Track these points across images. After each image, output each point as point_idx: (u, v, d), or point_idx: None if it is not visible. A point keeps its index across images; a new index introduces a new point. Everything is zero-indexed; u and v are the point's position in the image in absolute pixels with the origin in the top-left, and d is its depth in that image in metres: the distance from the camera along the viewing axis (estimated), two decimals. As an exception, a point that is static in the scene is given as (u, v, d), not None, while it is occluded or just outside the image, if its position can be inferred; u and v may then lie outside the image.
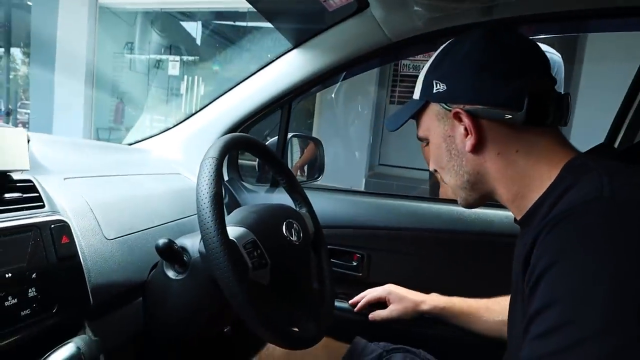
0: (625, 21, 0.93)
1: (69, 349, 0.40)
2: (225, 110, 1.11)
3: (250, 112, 1.09)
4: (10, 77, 5.85)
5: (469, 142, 0.56)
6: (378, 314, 0.94)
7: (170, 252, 0.60)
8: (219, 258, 0.53)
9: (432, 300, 0.92)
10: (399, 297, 0.93)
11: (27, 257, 0.49)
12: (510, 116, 0.53)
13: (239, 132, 1.12)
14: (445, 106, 0.58)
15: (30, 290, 0.48)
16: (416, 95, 0.63)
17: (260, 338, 0.61)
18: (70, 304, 0.53)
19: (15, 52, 5.83)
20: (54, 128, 4.87)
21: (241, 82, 1.11)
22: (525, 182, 0.55)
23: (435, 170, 0.66)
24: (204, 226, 0.55)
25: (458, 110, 0.56)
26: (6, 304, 0.45)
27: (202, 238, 0.55)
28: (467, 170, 0.59)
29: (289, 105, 1.15)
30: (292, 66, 1.05)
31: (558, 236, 0.43)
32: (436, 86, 0.59)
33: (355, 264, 1.16)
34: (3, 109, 5.69)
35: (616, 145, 0.96)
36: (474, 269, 1.04)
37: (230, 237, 0.59)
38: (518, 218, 0.58)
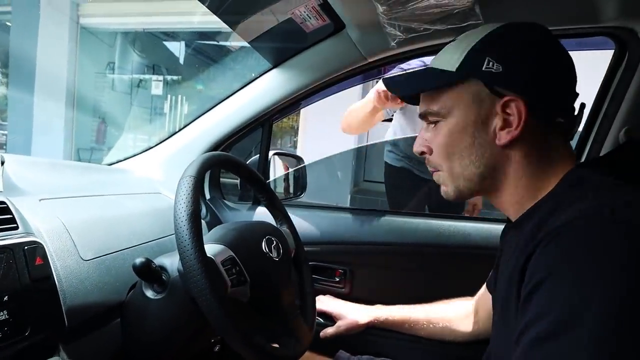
0: (594, 40, 0.97)
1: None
2: (205, 129, 1.12)
3: (231, 130, 1.10)
4: (-12, 97, 5.75)
5: (507, 135, 0.53)
6: (326, 332, 0.95)
7: (148, 272, 0.60)
8: (197, 276, 0.53)
9: (373, 313, 0.96)
10: (342, 315, 0.96)
11: (-1, 279, 0.48)
12: (562, 120, 0.54)
13: (220, 150, 1.13)
14: (497, 89, 0.53)
15: (1, 313, 0.47)
16: (449, 64, 0.56)
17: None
18: (44, 327, 0.52)
19: (-7, 73, 5.75)
20: (33, 149, 4.78)
21: (222, 101, 1.13)
22: (535, 186, 0.55)
23: (424, 153, 0.62)
24: (181, 244, 0.55)
25: (513, 98, 0.52)
26: (-24, 328, 0.45)
27: (179, 256, 0.55)
28: (486, 163, 0.55)
29: (269, 124, 1.17)
30: (271, 85, 1.07)
31: (557, 247, 0.43)
32: (488, 64, 0.53)
33: (337, 279, 1.17)
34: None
35: (582, 159, 1.00)
36: (455, 280, 1.06)
37: (208, 255, 0.60)
38: (513, 220, 0.59)
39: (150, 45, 5.48)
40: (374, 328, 0.97)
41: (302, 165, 1.48)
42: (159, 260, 0.68)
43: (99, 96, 5.39)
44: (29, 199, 0.66)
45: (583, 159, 1.00)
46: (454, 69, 0.55)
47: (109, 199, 0.84)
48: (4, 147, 5.28)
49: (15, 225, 0.55)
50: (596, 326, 0.38)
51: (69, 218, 0.67)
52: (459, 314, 0.93)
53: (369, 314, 0.96)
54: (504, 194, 0.57)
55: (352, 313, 0.97)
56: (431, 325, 0.93)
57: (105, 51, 5.34)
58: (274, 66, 1.08)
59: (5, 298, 0.48)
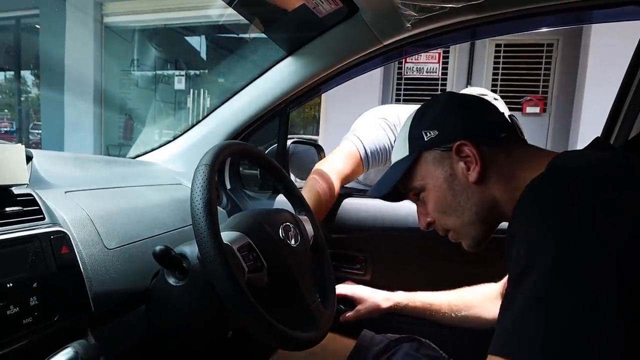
0: (623, 10, 0.92)
1: (66, 353, 0.41)
2: (222, 120, 1.13)
3: (247, 120, 1.11)
4: (22, 99, 6.00)
5: (474, 172, 0.61)
6: (345, 316, 0.97)
7: (168, 259, 0.62)
8: (214, 262, 0.54)
9: (394, 298, 0.97)
10: (363, 298, 0.98)
11: (27, 267, 0.51)
12: (504, 134, 0.63)
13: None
14: (444, 146, 0.63)
15: (31, 299, 0.50)
16: (402, 153, 0.68)
17: (263, 343, 0.62)
18: (72, 312, 0.54)
19: (26, 74, 5.99)
20: (65, 147, 4.98)
21: (238, 92, 1.14)
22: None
23: (431, 224, 0.70)
24: (198, 231, 0.56)
25: (461, 142, 0.61)
26: (8, 312, 0.47)
27: (197, 243, 0.56)
28: (475, 202, 0.63)
29: (286, 112, 1.17)
30: (286, 73, 1.07)
31: (524, 199, 0.49)
32: (427, 135, 0.65)
33: (358, 266, 1.17)
34: (15, 129, 5.84)
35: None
36: (479, 266, 1.04)
37: (225, 242, 0.61)
38: None
39: (171, 40, 5.57)
40: (394, 313, 0.96)
41: (321, 154, 1.47)
42: (179, 249, 0.69)
43: (124, 93, 5.54)
44: (55, 191, 0.68)
45: (612, 142, 0.95)
46: (407, 154, 0.68)
47: (132, 190, 0.87)
48: (40, 146, 5.51)
49: (42, 216, 0.58)
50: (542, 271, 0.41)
51: (93, 209, 0.69)
52: (483, 299, 0.91)
53: (390, 299, 0.97)
54: (508, 211, 0.61)
55: (372, 297, 0.97)
56: (453, 314, 0.92)
57: (129, 49, 5.47)
58: (289, 54, 1.07)
59: (35, 285, 0.51)
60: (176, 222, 0.86)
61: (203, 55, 5.68)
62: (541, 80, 4.50)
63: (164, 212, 0.86)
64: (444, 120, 0.65)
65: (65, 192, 0.70)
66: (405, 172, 0.67)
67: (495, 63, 4.62)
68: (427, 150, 0.65)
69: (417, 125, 0.67)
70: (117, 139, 5.41)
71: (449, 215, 0.65)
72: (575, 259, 0.40)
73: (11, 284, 0.48)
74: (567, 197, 0.44)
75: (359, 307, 0.97)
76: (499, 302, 0.88)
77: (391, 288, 1.00)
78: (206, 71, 5.64)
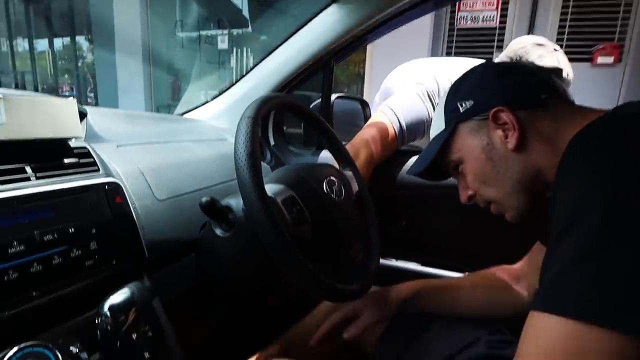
0: None
1: (123, 292, 0.44)
2: (265, 74, 1.11)
3: (290, 73, 1.08)
4: (79, 64, 6.30)
5: (512, 138, 0.58)
6: (350, 331, 0.78)
7: (214, 210, 0.63)
8: (257, 213, 0.55)
9: (406, 285, 0.83)
10: (367, 303, 0.79)
11: (85, 215, 0.54)
12: (546, 95, 0.59)
13: (281, 95, 1.12)
14: (479, 117, 0.62)
15: (91, 244, 0.53)
16: (439, 128, 0.68)
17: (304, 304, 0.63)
18: (127, 257, 0.57)
19: (80, 40, 6.25)
20: (120, 107, 5.23)
21: (280, 45, 1.10)
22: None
23: (472, 197, 0.68)
24: (242, 183, 0.56)
25: (497, 109, 0.59)
26: (72, 255, 0.51)
27: (241, 194, 0.57)
28: (516, 170, 0.60)
29: (330, 65, 1.13)
30: (329, 23, 1.02)
31: (567, 157, 0.46)
32: (462, 106, 0.64)
33: (403, 223, 1.15)
34: (74, 93, 6.20)
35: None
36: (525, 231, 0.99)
37: (269, 194, 0.61)
38: None
39: (214, 0, 5.52)
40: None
41: (366, 110, 1.43)
42: (225, 201, 0.71)
43: (171, 54, 5.65)
44: (107, 145, 0.71)
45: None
46: (445, 127, 0.66)
47: (180, 145, 0.89)
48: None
49: (97, 168, 0.60)
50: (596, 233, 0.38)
51: (144, 162, 0.72)
52: (504, 279, 0.85)
53: (403, 287, 0.83)
54: (551, 177, 0.55)
55: (377, 299, 0.81)
56: (474, 296, 0.83)
57: (173, 10, 5.50)
58: (331, 2, 1.02)
59: (93, 231, 0.54)
60: (222, 176, 0.88)
61: (245, 13, 5.61)
62: (618, 26, 4.01)
63: (210, 166, 0.88)
64: (479, 89, 0.63)
65: (118, 146, 0.73)
66: (442, 147, 0.66)
67: (563, 7, 4.15)
68: (463, 122, 0.64)
69: (452, 97, 0.66)
70: (166, 99, 5.59)
71: (489, 186, 0.64)
72: (630, 211, 0.37)
73: (73, 229, 0.52)
74: (620, 145, 0.40)
75: (364, 314, 0.79)
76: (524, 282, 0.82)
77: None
78: (249, 30, 5.59)
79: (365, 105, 1.42)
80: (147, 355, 0.52)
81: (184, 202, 0.73)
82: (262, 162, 1.09)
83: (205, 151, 0.93)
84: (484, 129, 0.62)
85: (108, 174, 0.61)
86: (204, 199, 0.60)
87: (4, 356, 0.42)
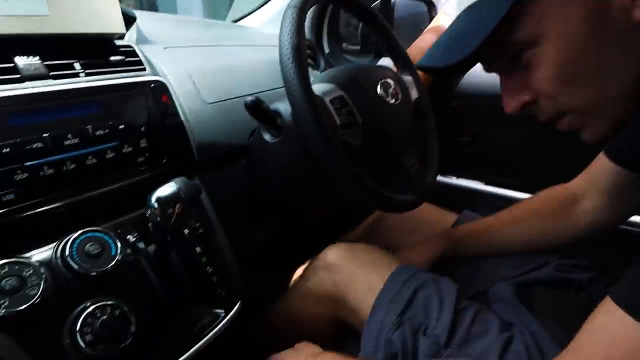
0: None
1: (169, 185, 0.44)
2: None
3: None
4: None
5: None
6: None
7: (259, 111, 0.61)
8: (302, 110, 0.51)
9: (453, 230, 0.80)
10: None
11: (134, 112, 0.54)
12: None
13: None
14: None
15: (141, 141, 0.54)
16: None
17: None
18: (177, 157, 0.58)
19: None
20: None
21: None
22: None
23: (530, 104, 0.44)
24: (286, 77, 0.52)
25: None
26: (123, 150, 0.52)
27: (285, 89, 0.53)
28: (636, 61, 0.38)
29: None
30: None
31: None
32: None
33: (466, 139, 1.06)
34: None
35: None
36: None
37: (316, 93, 0.56)
38: None
39: None
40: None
41: (432, 9, 1.27)
42: (274, 105, 0.68)
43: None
44: (155, 46, 0.69)
45: None
46: None
47: (229, 49, 0.86)
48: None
49: (143, 67, 0.59)
50: None
51: (192, 64, 0.70)
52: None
53: (452, 232, 0.82)
54: None
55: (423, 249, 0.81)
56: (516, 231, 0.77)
57: None
58: None
59: (142, 129, 0.54)
60: (272, 82, 0.84)
61: None
62: None
63: (260, 72, 0.84)
64: None
65: (165, 48, 0.71)
66: (505, 16, 0.38)
67: None
68: None
69: None
70: (224, 11, 5.47)
71: (578, 88, 0.40)
72: None
73: (122, 126, 0.52)
74: None
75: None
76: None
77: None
78: None
79: (431, 5, 1.25)
80: (198, 250, 0.55)
81: (233, 107, 0.71)
82: (316, 71, 1.03)
83: (255, 56, 0.89)
84: None
85: (155, 73, 0.60)
86: (249, 99, 0.58)
87: (69, 239, 0.45)
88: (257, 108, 0.59)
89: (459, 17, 0.44)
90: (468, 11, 0.43)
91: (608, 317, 0.39)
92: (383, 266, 0.69)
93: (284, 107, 0.67)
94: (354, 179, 0.55)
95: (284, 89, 0.83)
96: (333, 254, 0.75)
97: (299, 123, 0.53)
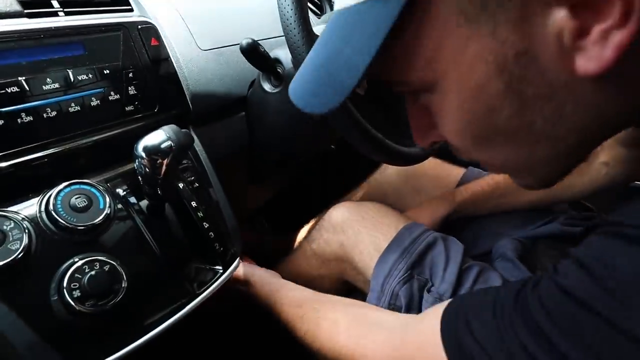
0: None
1: (157, 133, 0.41)
2: None
3: None
4: None
5: (622, 36, 0.23)
6: None
7: (257, 55, 0.56)
8: (301, 52, 0.46)
9: (458, 191, 0.77)
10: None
11: (120, 56, 0.49)
12: None
13: None
14: None
15: (130, 88, 0.50)
16: None
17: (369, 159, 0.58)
18: (171, 106, 0.54)
19: None
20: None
21: None
22: None
23: (436, 143, 0.37)
24: (284, 17, 0.47)
25: None
26: (110, 98, 0.48)
27: (283, 31, 0.48)
28: (572, 126, 0.29)
29: None
30: None
31: None
32: None
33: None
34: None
35: None
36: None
37: (317, 33, 0.51)
38: None
39: None
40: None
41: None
42: (274, 53, 0.63)
43: None
44: (144, -14, 0.64)
45: None
46: None
47: (227, -7, 0.79)
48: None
49: (130, 7, 0.54)
50: None
51: (184, 6, 0.64)
52: None
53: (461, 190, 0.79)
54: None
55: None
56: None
57: None
58: None
59: (131, 74, 0.50)
60: (273, 30, 0.78)
61: None
62: None
63: (260, 18, 0.78)
64: None
65: (155, -12, 0.65)
66: (377, 52, 0.28)
67: None
68: None
69: None
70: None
71: (494, 147, 0.32)
72: None
73: (108, 71, 0.48)
74: None
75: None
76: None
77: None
78: None
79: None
80: (194, 204, 0.52)
81: (230, 55, 0.66)
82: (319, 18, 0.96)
83: (256, 1, 0.82)
84: (514, 3, 0.25)
85: (143, 14, 0.55)
86: (244, 41, 0.53)
87: (53, 191, 0.42)
88: (254, 52, 0.54)
89: (325, 39, 0.33)
90: (337, 31, 0.32)
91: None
92: (390, 226, 0.67)
93: (284, 54, 0.62)
94: (360, 132, 0.51)
95: (283, 38, 0.78)
96: (338, 214, 0.72)
97: (296, 64, 0.48)
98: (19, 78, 0.41)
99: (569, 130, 0.29)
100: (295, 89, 0.35)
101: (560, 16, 0.24)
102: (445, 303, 0.41)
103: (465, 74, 0.28)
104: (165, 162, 0.41)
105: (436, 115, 0.33)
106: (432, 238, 0.63)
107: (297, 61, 0.48)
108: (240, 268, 0.67)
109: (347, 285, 0.75)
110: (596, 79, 0.25)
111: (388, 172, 0.94)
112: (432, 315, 0.40)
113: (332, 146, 0.79)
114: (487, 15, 0.25)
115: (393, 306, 0.60)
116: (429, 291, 0.59)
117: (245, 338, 0.90)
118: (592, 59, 0.24)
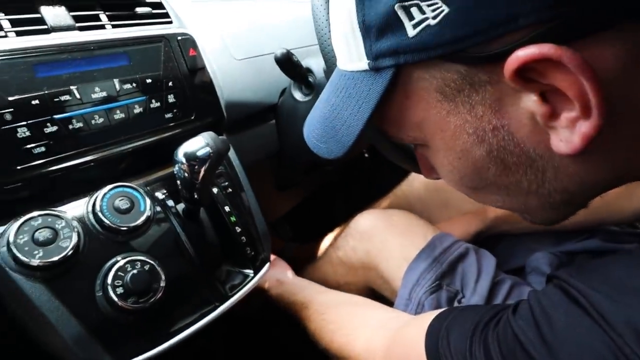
0: None
1: (196, 140, 0.43)
2: None
3: None
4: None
5: (587, 128, 0.25)
6: None
7: (290, 65, 0.57)
8: (335, 63, 0.48)
9: (492, 209, 0.73)
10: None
11: (161, 65, 0.52)
12: None
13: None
14: (478, 54, 0.26)
15: (169, 97, 0.52)
16: (349, 58, 0.32)
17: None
18: (206, 114, 0.56)
19: None
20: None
21: None
22: None
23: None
24: (318, 28, 0.49)
25: (538, 53, 0.23)
26: (151, 106, 0.50)
27: (319, 46, 0.50)
28: (557, 186, 0.30)
29: None
30: None
31: None
32: (420, 13, 0.26)
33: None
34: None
35: None
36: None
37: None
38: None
39: None
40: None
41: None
42: (305, 62, 0.65)
43: None
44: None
45: None
46: (366, 68, 0.30)
47: (260, 4, 0.82)
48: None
49: (170, 20, 0.57)
50: None
51: (220, 18, 0.67)
52: None
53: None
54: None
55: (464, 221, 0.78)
56: None
57: None
58: None
59: (170, 83, 0.52)
60: (304, 40, 0.80)
61: None
62: None
63: (292, 29, 0.80)
64: None
65: (193, 1, 0.68)
66: (371, 116, 0.32)
67: None
68: (420, 64, 0.28)
69: None
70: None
71: (488, 195, 0.35)
72: None
73: (150, 80, 0.50)
74: None
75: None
76: None
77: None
78: None
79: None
80: (227, 209, 0.54)
81: (263, 64, 0.68)
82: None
83: (286, 12, 0.85)
84: (487, 91, 0.27)
85: (182, 26, 0.58)
86: (279, 51, 0.55)
87: (99, 193, 0.45)
88: (288, 62, 0.56)
89: (329, 92, 0.37)
90: (338, 92, 0.35)
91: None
92: (419, 236, 0.66)
93: (316, 63, 0.64)
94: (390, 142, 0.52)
95: (316, 46, 0.80)
96: (366, 222, 0.72)
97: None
98: (71, 87, 0.44)
99: (554, 190, 0.31)
100: (309, 127, 0.40)
101: (531, 101, 0.26)
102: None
103: (450, 140, 0.31)
104: (203, 168, 0.43)
105: (434, 165, 0.37)
106: (463, 249, 0.63)
107: (329, 70, 0.50)
108: (272, 270, 0.69)
109: (373, 293, 0.75)
110: (573, 155, 0.26)
111: (416, 184, 0.94)
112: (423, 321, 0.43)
113: (366, 155, 0.80)
114: (462, 97, 0.28)
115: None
116: (459, 302, 0.59)
117: (269, 341, 0.91)
118: (563, 140, 0.26)
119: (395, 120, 0.33)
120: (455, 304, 0.59)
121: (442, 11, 0.25)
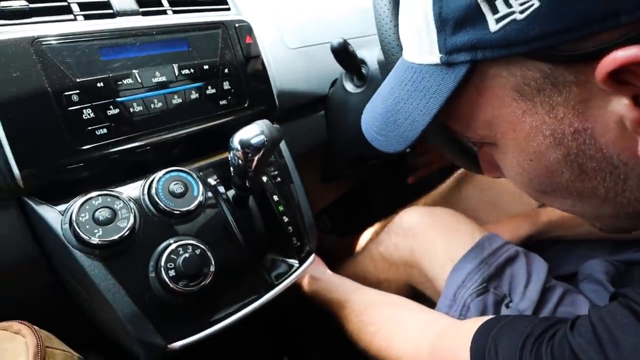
0: None
1: (251, 127, 0.42)
2: None
3: None
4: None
5: None
6: None
7: (345, 55, 0.56)
8: (396, 54, 0.46)
9: (544, 212, 0.69)
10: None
11: (218, 52, 0.52)
12: None
13: None
14: (564, 52, 0.24)
15: (224, 83, 0.52)
16: (420, 49, 0.30)
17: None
18: (260, 102, 0.56)
19: None
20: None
21: None
22: None
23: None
24: (379, 18, 0.47)
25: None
26: (207, 92, 0.51)
27: (378, 34, 0.48)
28: (637, 197, 0.29)
29: None
30: None
31: None
32: (506, 6, 0.24)
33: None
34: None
35: None
36: None
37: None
38: None
39: None
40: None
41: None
42: (359, 53, 0.63)
43: None
44: (239, -13, 0.67)
45: None
46: (437, 62, 0.29)
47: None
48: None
49: (228, 7, 0.57)
50: None
51: (276, 7, 0.67)
52: None
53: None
54: None
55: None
56: None
57: None
58: None
59: (226, 70, 0.52)
60: (358, 30, 0.78)
61: None
62: None
63: (347, 19, 0.79)
64: None
65: (249, -12, 0.68)
66: (436, 115, 0.31)
67: None
68: (499, 60, 0.26)
69: None
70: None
71: (558, 199, 0.33)
72: None
73: (207, 66, 0.51)
74: None
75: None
76: None
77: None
78: None
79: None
80: (276, 198, 0.54)
81: (316, 54, 0.67)
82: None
83: (343, 3, 0.83)
84: (572, 89, 0.25)
85: (238, 13, 0.58)
86: (335, 41, 0.53)
87: (155, 176, 0.46)
88: (344, 52, 0.55)
89: (392, 83, 0.36)
90: (403, 84, 0.34)
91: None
92: (466, 235, 0.64)
93: (370, 55, 0.62)
94: (449, 137, 0.50)
95: (370, 37, 0.77)
96: (410, 218, 0.70)
97: (390, 69, 0.48)
98: (133, 71, 0.45)
99: (635, 199, 0.29)
100: (367, 119, 0.39)
101: (621, 104, 0.24)
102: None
103: (523, 141, 0.30)
104: (257, 156, 0.43)
105: (500, 164, 0.35)
106: (513, 252, 0.60)
107: (390, 62, 0.48)
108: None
109: (413, 291, 0.73)
110: None
111: (463, 183, 0.90)
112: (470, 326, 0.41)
113: (408, 150, 0.77)
114: (542, 97, 0.27)
115: (463, 317, 0.58)
116: (507, 306, 0.56)
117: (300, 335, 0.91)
118: None
119: (464, 118, 0.32)
120: (503, 308, 0.57)
121: (532, 5, 0.23)
